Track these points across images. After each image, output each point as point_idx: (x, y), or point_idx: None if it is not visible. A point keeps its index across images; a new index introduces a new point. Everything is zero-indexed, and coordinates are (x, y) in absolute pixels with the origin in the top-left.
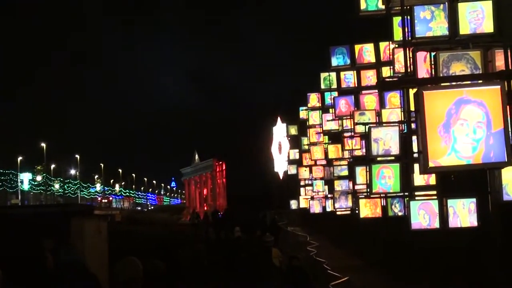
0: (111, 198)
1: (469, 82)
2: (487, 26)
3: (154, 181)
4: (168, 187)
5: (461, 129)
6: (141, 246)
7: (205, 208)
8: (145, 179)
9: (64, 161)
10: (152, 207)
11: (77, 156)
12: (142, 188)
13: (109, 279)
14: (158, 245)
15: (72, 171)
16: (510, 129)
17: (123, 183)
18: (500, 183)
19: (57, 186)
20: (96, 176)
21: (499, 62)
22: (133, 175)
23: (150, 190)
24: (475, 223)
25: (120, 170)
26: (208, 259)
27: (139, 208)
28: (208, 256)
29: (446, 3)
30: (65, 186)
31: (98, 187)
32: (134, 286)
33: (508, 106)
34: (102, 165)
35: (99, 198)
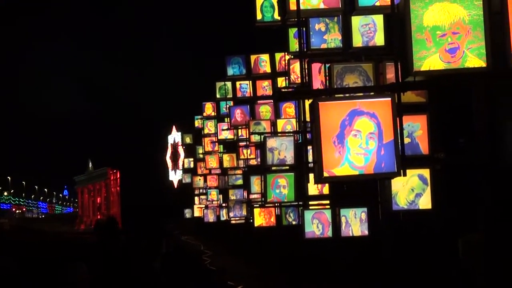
0: (24, 209)
1: (361, 94)
2: (379, 39)
3: (46, 189)
4: (61, 195)
5: (354, 140)
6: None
7: (98, 217)
8: (36, 187)
9: None
10: (43, 216)
11: None
12: (32, 196)
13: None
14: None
15: None
16: (399, 141)
17: (12, 191)
18: (390, 193)
19: None
20: None
21: (390, 75)
22: (23, 182)
23: (41, 198)
24: (366, 232)
25: (9, 178)
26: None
27: (29, 215)
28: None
29: (340, 16)
30: None
31: None
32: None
33: (398, 118)
34: None
35: (13, 208)
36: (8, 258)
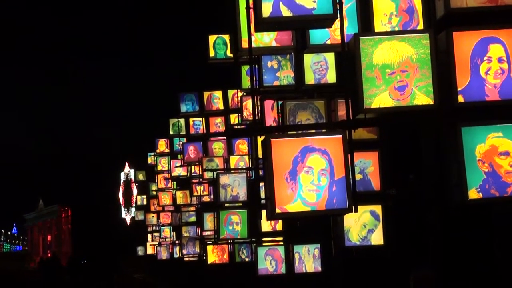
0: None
1: (314, 131)
2: (331, 76)
3: None
4: (9, 233)
5: (307, 176)
6: None
7: (49, 255)
8: None
9: None
10: None
11: None
12: None
13: None
14: None
15: None
16: (351, 177)
17: None
18: (342, 229)
19: None
20: None
21: (342, 112)
22: None
23: None
24: (320, 268)
25: None
26: None
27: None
28: None
29: (292, 53)
30: None
31: None
32: None
33: (349, 155)
34: None
35: None
36: None
